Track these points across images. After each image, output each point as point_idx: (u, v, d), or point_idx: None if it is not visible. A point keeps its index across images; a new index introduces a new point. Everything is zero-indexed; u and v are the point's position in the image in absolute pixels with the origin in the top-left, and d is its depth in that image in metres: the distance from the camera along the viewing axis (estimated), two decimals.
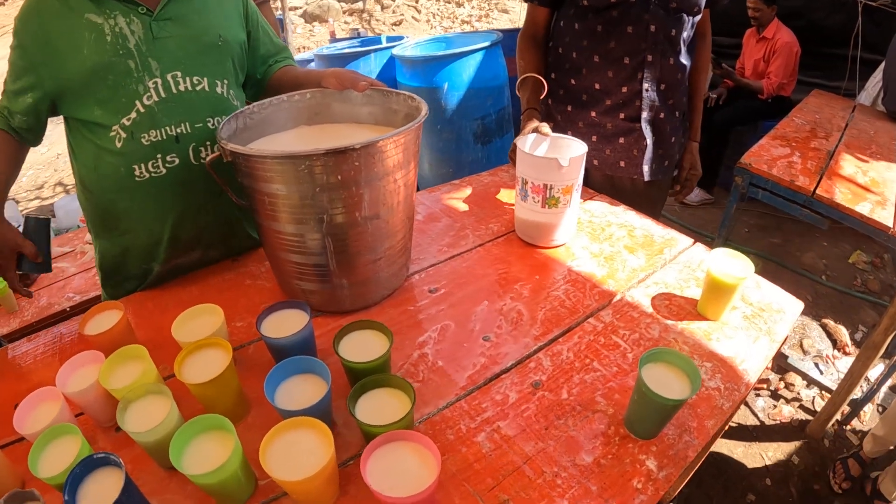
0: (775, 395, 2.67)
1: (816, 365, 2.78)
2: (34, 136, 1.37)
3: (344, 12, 9.59)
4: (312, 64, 4.16)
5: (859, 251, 3.60)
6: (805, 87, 3.94)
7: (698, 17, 1.68)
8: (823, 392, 2.63)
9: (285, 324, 1.13)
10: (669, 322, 1.25)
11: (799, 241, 3.76)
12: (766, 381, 2.72)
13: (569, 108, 1.81)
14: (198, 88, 1.35)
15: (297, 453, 0.88)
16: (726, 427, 1.50)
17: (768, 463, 2.35)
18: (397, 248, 1.31)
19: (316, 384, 1.01)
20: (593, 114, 1.77)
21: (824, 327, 3.05)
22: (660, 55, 1.66)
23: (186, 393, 1.02)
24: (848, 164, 2.55)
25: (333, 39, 5.79)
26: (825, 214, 2.29)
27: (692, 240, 1.54)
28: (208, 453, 0.89)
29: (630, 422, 1.01)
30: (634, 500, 0.90)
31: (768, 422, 2.54)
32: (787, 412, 2.57)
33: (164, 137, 1.33)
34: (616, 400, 1.07)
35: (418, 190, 1.52)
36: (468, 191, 1.86)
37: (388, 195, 1.19)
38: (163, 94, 1.30)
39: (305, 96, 1.40)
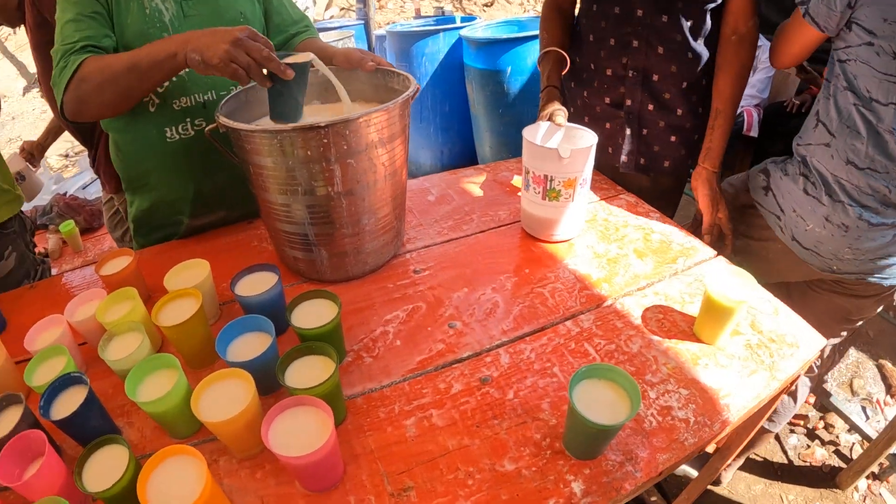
0: (811, 435, 2.46)
1: (864, 409, 2.53)
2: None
3: None
4: (386, 41, 4.22)
5: None
6: None
7: (711, 5, 1.49)
8: (864, 440, 2.36)
9: (259, 285, 1.19)
10: (655, 338, 1.17)
11: None
12: (805, 417, 2.52)
13: (572, 85, 1.76)
14: None
15: (224, 399, 0.95)
16: (735, 453, 1.45)
17: None
18: (379, 225, 1.33)
19: (265, 342, 1.06)
20: (585, 94, 1.72)
21: (881, 369, 2.75)
22: (645, 42, 1.55)
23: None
24: None
25: (417, 16, 5.84)
26: None
27: (714, 252, 1.43)
28: (161, 387, 0.98)
29: (566, 439, 0.96)
30: None
31: (797, 462, 2.35)
32: (820, 455, 2.36)
33: (193, 104, 1.46)
34: (563, 412, 1.02)
35: None
36: (491, 175, 1.85)
37: (363, 173, 1.21)
38: None
39: (316, 73, 1.44)
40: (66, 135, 2.73)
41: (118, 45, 1.38)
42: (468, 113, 3.95)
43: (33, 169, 2.86)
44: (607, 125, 1.72)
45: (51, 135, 2.83)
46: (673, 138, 1.69)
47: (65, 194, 4.03)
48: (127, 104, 1.36)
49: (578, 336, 1.19)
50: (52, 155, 6.45)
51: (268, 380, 1.04)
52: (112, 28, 1.37)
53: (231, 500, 0.92)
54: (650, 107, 1.65)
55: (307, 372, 0.99)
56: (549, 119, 1.48)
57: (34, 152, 2.81)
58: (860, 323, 1.68)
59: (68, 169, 6.05)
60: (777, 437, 2.42)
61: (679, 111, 1.65)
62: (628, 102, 1.66)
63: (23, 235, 1.94)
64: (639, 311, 1.25)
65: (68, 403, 1.00)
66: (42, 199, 4.16)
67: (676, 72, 1.58)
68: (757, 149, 2.89)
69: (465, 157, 4.24)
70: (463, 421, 1.02)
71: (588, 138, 1.41)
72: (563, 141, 1.49)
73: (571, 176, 1.34)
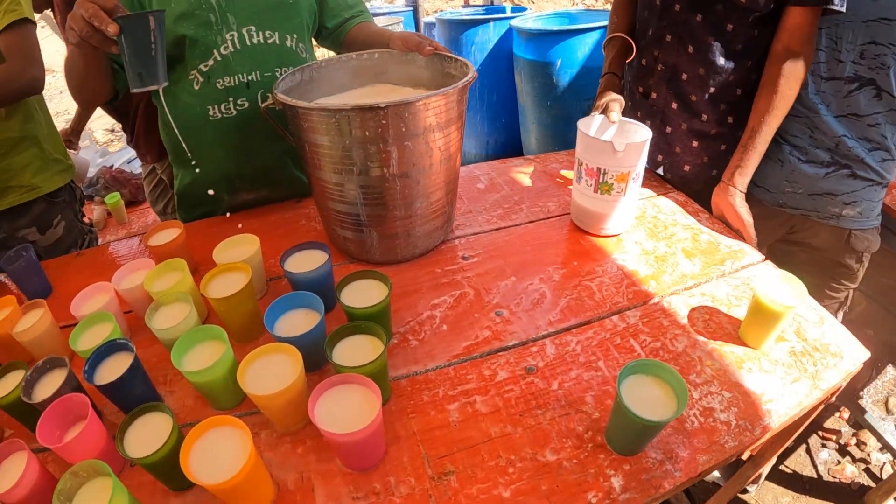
0: (843, 451, 2.37)
1: None
2: None
3: None
4: (435, 28, 4.21)
5: None
6: None
7: (756, 14, 1.36)
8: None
9: (308, 262, 1.21)
10: (700, 339, 1.15)
11: None
12: (837, 433, 2.43)
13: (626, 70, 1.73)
14: (269, 42, 1.48)
15: (271, 373, 0.96)
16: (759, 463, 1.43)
17: None
18: (431, 209, 1.33)
19: (313, 319, 1.07)
20: (630, 79, 1.70)
21: None
22: (677, 38, 1.50)
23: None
24: None
25: (466, 5, 5.82)
26: None
27: (763, 256, 1.39)
28: (207, 358, 0.99)
29: (609, 433, 0.95)
30: None
31: (826, 477, 2.27)
32: (850, 472, 2.27)
33: (237, 83, 1.47)
34: (606, 406, 1.01)
35: None
36: (541, 167, 1.83)
37: (419, 156, 1.21)
38: (238, 46, 1.44)
39: (374, 56, 1.46)
40: None
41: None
42: (515, 104, 3.92)
43: (74, 152, 2.93)
44: (639, 113, 1.69)
45: (81, 119, 2.89)
46: (695, 143, 1.62)
47: (111, 167, 4.09)
48: (93, 95, 1.41)
49: (624, 332, 1.17)
50: (98, 129, 6.58)
51: (313, 357, 1.05)
52: None
53: (271, 473, 0.93)
54: (674, 105, 1.60)
55: (355, 351, 0.99)
56: (603, 113, 1.46)
57: (71, 138, 2.88)
58: (845, 291, 1.69)
59: (113, 143, 6.16)
60: (808, 451, 2.36)
61: (704, 116, 1.57)
62: (653, 96, 1.63)
63: (72, 205, 2.00)
64: (685, 310, 1.23)
65: (113, 369, 1.02)
66: (88, 172, 4.23)
67: (704, 75, 1.51)
68: None
69: (510, 148, 4.21)
70: (506, 409, 1.01)
71: (642, 133, 1.39)
72: (616, 135, 1.46)
73: (625, 170, 1.33)
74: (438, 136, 1.21)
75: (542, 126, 3.60)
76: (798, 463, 2.32)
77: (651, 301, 1.26)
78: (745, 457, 1.55)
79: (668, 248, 1.42)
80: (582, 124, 1.41)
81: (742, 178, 1.47)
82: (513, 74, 3.79)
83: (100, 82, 1.37)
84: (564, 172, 1.80)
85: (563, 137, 3.54)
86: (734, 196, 1.47)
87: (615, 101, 1.47)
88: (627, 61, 1.66)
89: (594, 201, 1.40)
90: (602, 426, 0.97)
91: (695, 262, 1.37)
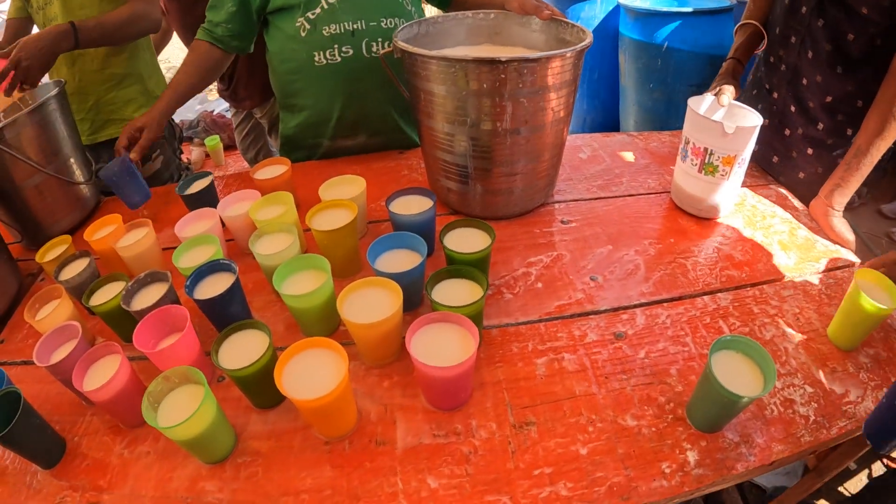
0: None
1: None
2: (241, 42, 1.61)
3: None
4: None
5: None
6: None
7: (875, 25, 1.26)
8: None
9: (412, 206, 1.24)
10: (789, 331, 1.12)
11: None
12: None
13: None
14: None
15: (369, 305, 0.99)
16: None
17: None
18: (537, 170, 1.35)
19: (415, 260, 1.10)
20: (759, 71, 1.65)
21: None
22: (801, 41, 1.43)
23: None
24: None
25: None
26: None
27: (860, 260, 1.33)
28: (306, 287, 1.02)
29: (690, 407, 0.95)
30: (653, 483, 0.85)
31: None
32: None
33: (342, 31, 1.52)
34: (689, 381, 1.01)
35: None
36: (643, 144, 1.81)
37: (532, 114, 1.22)
38: None
39: (489, 16, 1.48)
40: None
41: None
42: (616, 84, 3.83)
43: None
44: (759, 106, 1.63)
45: None
46: (810, 151, 1.53)
47: (212, 112, 4.24)
48: None
49: (714, 312, 1.16)
50: None
51: (410, 297, 1.09)
52: None
53: (356, 402, 0.97)
54: (793, 108, 1.53)
55: (453, 293, 1.02)
56: (716, 95, 1.43)
57: None
58: None
59: (211, 92, 6.33)
60: (869, 475, 2.28)
61: (820, 125, 1.47)
62: (774, 95, 1.58)
63: (171, 142, 2.11)
64: (776, 301, 1.20)
65: (213, 288, 1.07)
66: (189, 115, 4.39)
67: (821, 82, 1.43)
68: None
69: (607, 128, 4.11)
70: (593, 369, 1.03)
71: (753, 118, 1.35)
72: (726, 118, 1.43)
73: (731, 153, 1.30)
74: (553, 96, 1.22)
75: (642, 108, 3.51)
76: (855, 486, 2.24)
77: (743, 287, 1.24)
78: (811, 465, 1.53)
79: (764, 238, 1.39)
80: (693, 102, 1.38)
81: (841, 198, 1.38)
82: (616, 53, 3.70)
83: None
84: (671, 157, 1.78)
85: (662, 121, 3.46)
86: (831, 217, 1.39)
87: (728, 88, 1.44)
88: (757, 51, 1.61)
89: (697, 181, 1.38)
90: (683, 400, 0.98)
91: (790, 255, 1.34)
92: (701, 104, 1.40)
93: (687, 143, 1.37)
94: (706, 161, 1.33)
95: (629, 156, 1.74)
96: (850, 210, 1.45)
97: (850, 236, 1.38)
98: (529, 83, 1.16)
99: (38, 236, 1.39)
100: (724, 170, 1.32)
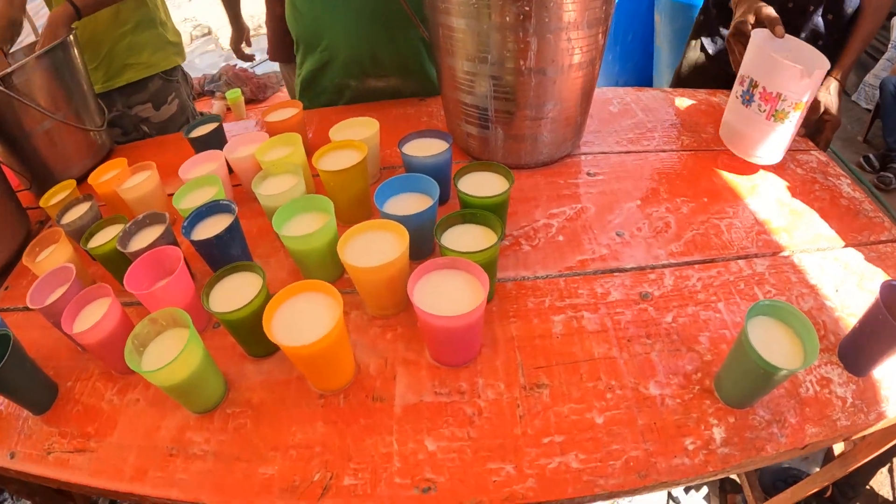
0: None
1: None
2: None
3: None
4: None
5: None
6: None
7: None
8: None
9: (427, 149, 1.16)
10: (828, 304, 1.02)
11: None
12: None
13: None
14: None
15: (374, 250, 0.93)
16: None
17: None
18: (563, 115, 1.26)
19: (425, 203, 1.02)
20: None
21: None
22: None
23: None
24: None
25: None
26: None
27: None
28: (308, 229, 0.96)
29: (720, 379, 0.86)
30: (674, 459, 0.78)
31: None
32: None
33: None
34: (720, 351, 0.92)
35: None
36: (677, 101, 1.70)
37: (558, 53, 1.13)
38: None
39: None
40: None
41: None
42: (650, 46, 3.75)
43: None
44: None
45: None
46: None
47: (234, 66, 4.21)
48: None
49: (749, 278, 1.06)
50: (224, 37, 6.70)
51: (419, 244, 1.02)
52: None
53: (354, 354, 0.91)
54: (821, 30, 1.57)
55: (465, 239, 0.94)
56: (768, 21, 1.28)
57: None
58: None
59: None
60: (891, 472, 2.19)
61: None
62: (802, 19, 1.55)
63: (185, 87, 2.10)
64: (816, 271, 1.10)
65: (212, 229, 1.01)
66: (210, 69, 4.36)
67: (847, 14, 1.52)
68: None
69: None
70: (615, 331, 0.95)
71: (817, 60, 1.22)
72: (777, 50, 1.30)
73: (803, 98, 1.19)
74: (581, 34, 1.12)
75: (674, 69, 3.41)
76: (877, 481, 2.16)
77: (781, 254, 1.14)
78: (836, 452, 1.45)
79: (805, 206, 1.27)
80: (759, 37, 1.25)
81: (841, 70, 1.48)
82: (651, 15, 3.61)
83: None
84: (708, 116, 1.67)
85: (695, 85, 3.32)
86: (833, 86, 1.46)
87: (773, 12, 1.29)
88: None
89: (765, 127, 1.26)
90: (713, 371, 0.89)
91: (832, 224, 1.23)
92: (760, 35, 1.28)
93: (754, 85, 1.24)
94: (778, 108, 1.21)
95: (663, 112, 1.63)
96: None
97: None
98: (556, 18, 1.07)
99: (48, 183, 1.35)
100: (794, 116, 1.22)
